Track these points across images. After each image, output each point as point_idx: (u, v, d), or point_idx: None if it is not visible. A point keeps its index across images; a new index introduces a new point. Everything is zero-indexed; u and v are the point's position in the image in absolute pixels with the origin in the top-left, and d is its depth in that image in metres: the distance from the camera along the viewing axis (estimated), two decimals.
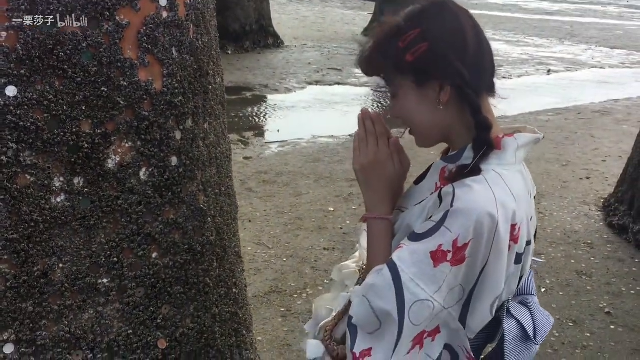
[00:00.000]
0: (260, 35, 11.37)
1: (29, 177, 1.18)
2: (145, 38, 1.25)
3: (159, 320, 1.38)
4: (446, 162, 1.15)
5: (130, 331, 1.33)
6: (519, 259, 1.10)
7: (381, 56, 1.11)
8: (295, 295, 3.24)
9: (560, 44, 14.44)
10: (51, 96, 1.16)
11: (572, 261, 3.79)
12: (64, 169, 1.20)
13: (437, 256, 1.01)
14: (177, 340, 1.42)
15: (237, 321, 1.65)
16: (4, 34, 1.11)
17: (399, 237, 1.14)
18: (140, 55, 1.25)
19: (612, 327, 3.09)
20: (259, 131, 6.57)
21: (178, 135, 1.36)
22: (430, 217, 1.06)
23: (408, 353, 1.06)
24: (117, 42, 1.21)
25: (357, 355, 1.07)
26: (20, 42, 1.12)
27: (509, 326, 1.17)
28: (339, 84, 8.99)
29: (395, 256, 1.05)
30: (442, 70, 1.06)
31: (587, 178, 5.35)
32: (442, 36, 1.07)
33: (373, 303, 1.05)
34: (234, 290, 1.63)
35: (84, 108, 1.20)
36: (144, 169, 1.30)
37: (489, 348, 1.25)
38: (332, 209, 4.39)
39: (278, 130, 6.54)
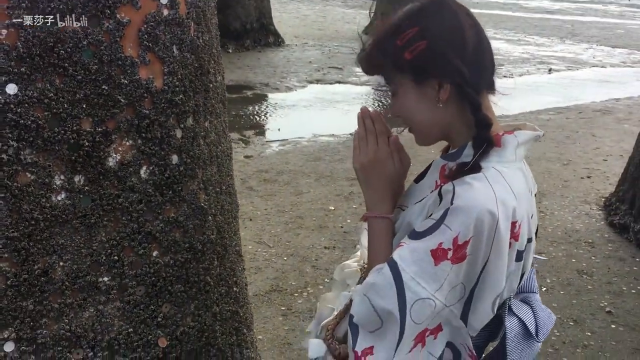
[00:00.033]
0: (261, 34, 11.38)
1: (29, 175, 1.18)
2: (145, 36, 1.25)
3: (159, 319, 1.37)
4: (446, 159, 1.15)
5: (131, 329, 1.33)
6: (519, 256, 1.10)
7: (380, 54, 1.10)
8: (296, 294, 3.24)
9: (561, 42, 14.42)
10: (52, 94, 1.16)
11: (573, 260, 3.78)
12: (64, 167, 1.20)
13: (438, 254, 1.01)
14: (178, 339, 1.42)
15: (237, 320, 1.65)
16: (4, 31, 1.11)
17: (399, 235, 1.14)
18: (141, 53, 1.25)
19: (613, 326, 3.09)
20: (260, 130, 6.57)
21: (179, 133, 1.36)
22: (430, 215, 1.06)
23: (410, 351, 1.05)
24: (117, 40, 1.20)
25: (359, 353, 1.07)
26: (21, 40, 1.12)
27: (511, 324, 1.17)
28: (339, 82, 8.99)
29: (395, 255, 1.05)
30: (440, 68, 1.06)
31: (588, 177, 5.34)
32: (441, 34, 1.06)
33: (374, 302, 1.05)
34: (234, 288, 1.63)
35: (84, 106, 1.19)
36: (144, 167, 1.30)
37: (491, 347, 1.24)
38: (333, 208, 4.39)
39: (279, 129, 6.54)
